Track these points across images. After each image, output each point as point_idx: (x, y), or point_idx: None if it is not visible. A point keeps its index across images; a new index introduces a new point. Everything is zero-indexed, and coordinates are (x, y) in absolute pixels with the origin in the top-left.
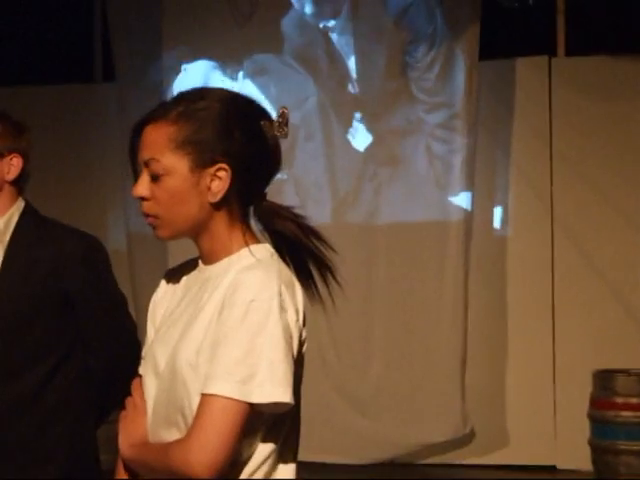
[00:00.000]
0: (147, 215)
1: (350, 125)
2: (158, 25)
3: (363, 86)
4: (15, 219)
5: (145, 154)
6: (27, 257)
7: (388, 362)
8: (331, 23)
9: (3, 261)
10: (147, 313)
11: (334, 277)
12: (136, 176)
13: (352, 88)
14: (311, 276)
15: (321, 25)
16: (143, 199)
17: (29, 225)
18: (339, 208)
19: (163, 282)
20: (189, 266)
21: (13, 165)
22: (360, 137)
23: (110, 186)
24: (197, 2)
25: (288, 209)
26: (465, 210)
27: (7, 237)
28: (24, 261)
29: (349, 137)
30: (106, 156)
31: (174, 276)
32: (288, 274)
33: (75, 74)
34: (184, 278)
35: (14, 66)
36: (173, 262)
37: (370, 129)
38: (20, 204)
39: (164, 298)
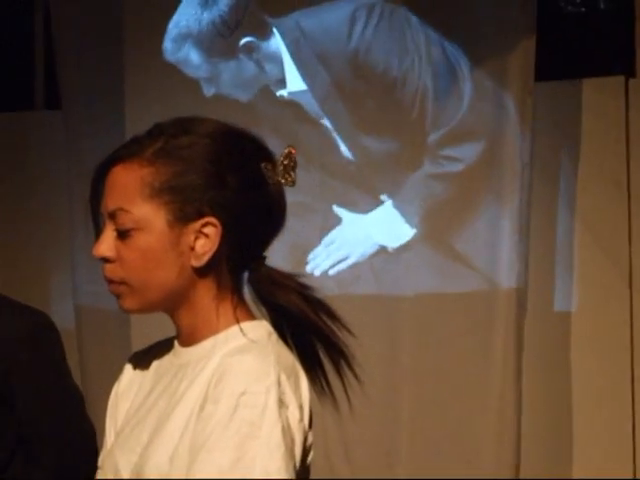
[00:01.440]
0: (110, 281)
1: None
2: (117, 33)
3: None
4: None
5: (111, 203)
6: None
7: (414, 469)
8: None
9: None
10: (104, 410)
11: (349, 366)
12: (97, 230)
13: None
14: (320, 364)
15: None
16: (106, 260)
17: None
18: (352, 275)
19: (127, 369)
20: (161, 348)
21: None
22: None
23: (54, 241)
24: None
25: (292, 277)
26: (517, 277)
27: None
28: None
29: None
30: (49, 202)
31: (141, 361)
32: (290, 360)
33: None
34: (154, 364)
35: None
36: (138, 344)
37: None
38: None
39: (129, 390)
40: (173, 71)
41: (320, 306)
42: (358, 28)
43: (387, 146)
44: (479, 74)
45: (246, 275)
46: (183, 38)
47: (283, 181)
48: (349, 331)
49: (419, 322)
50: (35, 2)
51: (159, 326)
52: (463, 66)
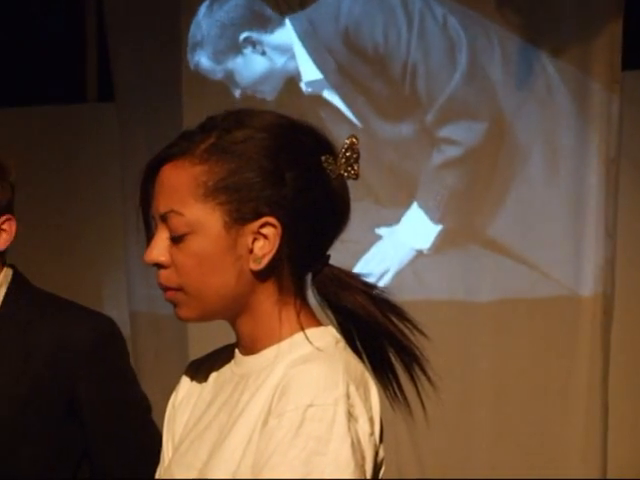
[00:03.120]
0: (165, 288)
1: None
2: (173, 29)
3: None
4: (1, 294)
5: (162, 205)
6: (19, 347)
7: None
8: None
9: None
10: (161, 421)
11: (424, 371)
12: (149, 234)
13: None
14: (391, 369)
15: None
16: (159, 266)
17: (20, 302)
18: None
19: (185, 379)
20: (221, 356)
21: (5, 231)
22: None
23: (107, 241)
24: None
25: (358, 277)
26: (603, 281)
27: None
28: (16, 351)
29: None
30: (101, 200)
31: (200, 371)
32: (359, 369)
33: (60, 92)
34: (214, 373)
35: None
36: (196, 352)
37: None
38: (7, 273)
39: (187, 401)
40: None
41: (389, 307)
42: (345, 5)
43: (399, 131)
44: (560, 61)
45: (309, 277)
46: (192, 48)
47: (345, 174)
48: (422, 333)
49: (497, 327)
50: None
51: (218, 332)
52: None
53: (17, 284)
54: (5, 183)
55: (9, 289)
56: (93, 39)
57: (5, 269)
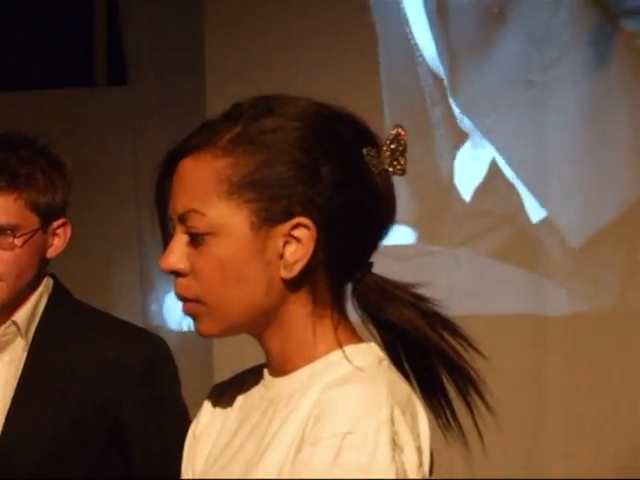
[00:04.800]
0: (184, 299)
1: None
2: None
3: None
4: (42, 306)
5: (180, 204)
6: (61, 366)
7: None
8: None
9: (26, 370)
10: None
11: (480, 395)
12: (166, 238)
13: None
14: (443, 392)
15: None
16: (177, 274)
17: (63, 315)
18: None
19: (207, 405)
20: (248, 380)
21: (59, 237)
22: None
23: (119, 250)
24: None
25: (406, 287)
26: None
27: (31, 333)
28: (57, 372)
29: None
30: (114, 203)
31: (224, 395)
32: (405, 391)
33: (66, 75)
34: (240, 398)
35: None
36: (222, 373)
37: None
38: (48, 283)
39: (209, 430)
40: (261, 40)
41: (441, 321)
42: None
43: None
44: None
45: (349, 287)
46: None
47: (391, 169)
48: (478, 351)
49: (569, 344)
50: None
51: (248, 349)
52: None
53: (58, 295)
54: (64, 182)
55: (50, 300)
56: (103, 20)
57: (46, 278)
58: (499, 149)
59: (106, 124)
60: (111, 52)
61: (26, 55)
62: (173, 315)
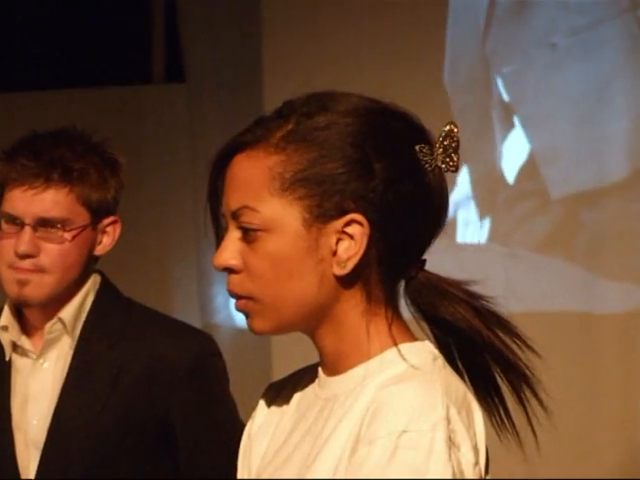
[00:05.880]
0: (237, 296)
1: None
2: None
3: None
4: (89, 303)
5: (233, 201)
6: (108, 363)
7: None
8: None
9: (73, 367)
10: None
11: (535, 393)
12: (219, 234)
13: None
14: (498, 392)
15: None
16: (230, 271)
17: (109, 312)
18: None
19: (262, 404)
20: (304, 378)
21: (108, 234)
22: None
23: (177, 240)
24: None
25: (459, 285)
26: None
27: (78, 330)
28: (106, 365)
29: None
30: (170, 200)
31: (280, 394)
32: (461, 389)
33: (124, 72)
34: (296, 397)
35: (57, 68)
36: (279, 371)
37: None
38: (96, 279)
39: (265, 430)
40: (319, 37)
41: (495, 320)
42: None
43: None
44: None
45: (402, 285)
46: None
47: (443, 166)
48: (532, 349)
49: (625, 342)
50: None
51: (305, 345)
52: None
53: (105, 292)
54: (117, 180)
55: (97, 297)
56: (160, 17)
57: (94, 275)
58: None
59: (163, 121)
60: (169, 49)
61: (85, 52)
62: (231, 312)
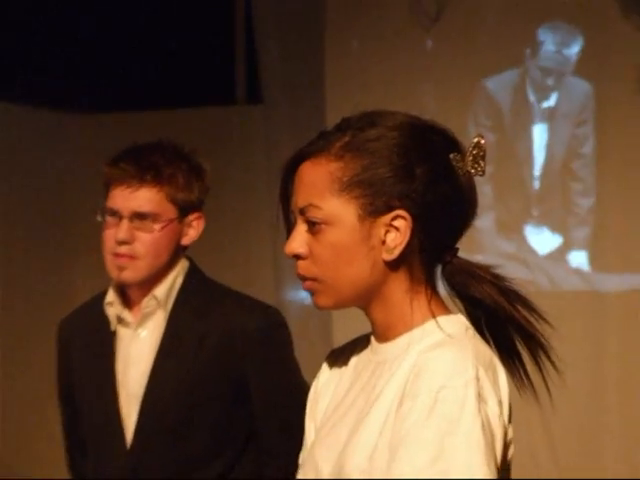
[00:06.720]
0: (304, 278)
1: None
2: (316, 32)
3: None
4: (179, 283)
5: (301, 199)
6: (194, 330)
7: (623, 469)
8: None
9: (167, 332)
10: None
11: (549, 358)
12: (289, 227)
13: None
14: (519, 357)
15: None
16: (298, 257)
17: (195, 291)
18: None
19: (325, 366)
20: (359, 345)
21: (193, 228)
22: None
23: (255, 239)
24: (371, 5)
25: (487, 268)
26: None
27: (169, 305)
28: (191, 334)
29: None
30: (250, 200)
31: (340, 358)
32: (488, 354)
33: (212, 95)
34: (353, 360)
35: (146, 88)
36: (338, 339)
37: None
38: (184, 264)
39: (327, 387)
40: (375, 61)
41: (516, 297)
42: None
43: None
44: None
45: (439, 268)
46: None
47: (473, 171)
48: (547, 321)
49: (626, 318)
50: None
51: (361, 320)
52: None
53: (192, 274)
54: (202, 184)
55: (185, 279)
56: (242, 44)
57: (182, 261)
58: None
59: (244, 139)
60: (251, 72)
61: (172, 75)
62: (300, 291)
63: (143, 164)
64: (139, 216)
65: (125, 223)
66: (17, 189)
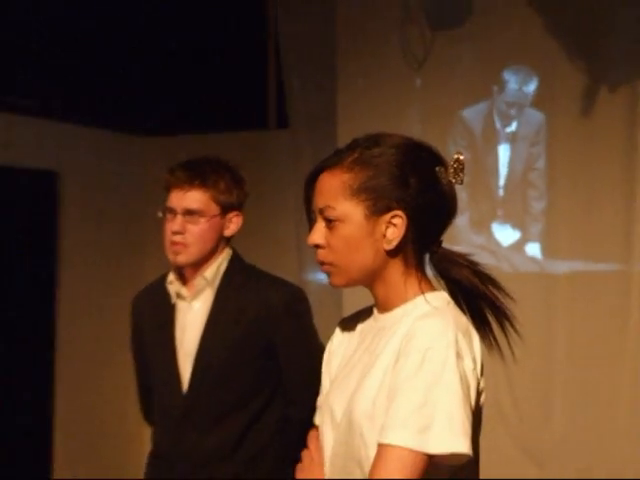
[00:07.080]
0: (322, 263)
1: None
2: (330, 71)
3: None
4: (224, 266)
5: (320, 201)
6: (235, 303)
7: (569, 416)
8: None
9: (214, 304)
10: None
11: (512, 325)
12: (311, 224)
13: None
14: (488, 324)
15: None
16: (318, 247)
17: (236, 273)
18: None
19: (338, 331)
20: (364, 314)
21: (233, 223)
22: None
23: (284, 233)
24: (374, 50)
25: (464, 256)
26: None
27: (216, 283)
28: (233, 306)
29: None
30: (280, 203)
31: (349, 325)
32: (464, 322)
33: (248, 120)
34: (359, 326)
35: (181, 114)
36: (347, 310)
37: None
38: (228, 252)
39: (339, 347)
40: (375, 94)
41: (487, 278)
42: None
43: None
44: None
45: (427, 256)
46: None
47: (453, 180)
48: (510, 297)
49: (572, 295)
50: (268, 29)
51: (365, 296)
52: None
53: (234, 260)
54: (241, 189)
55: (229, 263)
56: (274, 78)
57: (227, 249)
58: None
59: (275, 157)
60: (280, 101)
61: (208, 102)
62: (318, 273)
63: (193, 172)
64: (189, 212)
65: (179, 218)
66: (100, 201)
